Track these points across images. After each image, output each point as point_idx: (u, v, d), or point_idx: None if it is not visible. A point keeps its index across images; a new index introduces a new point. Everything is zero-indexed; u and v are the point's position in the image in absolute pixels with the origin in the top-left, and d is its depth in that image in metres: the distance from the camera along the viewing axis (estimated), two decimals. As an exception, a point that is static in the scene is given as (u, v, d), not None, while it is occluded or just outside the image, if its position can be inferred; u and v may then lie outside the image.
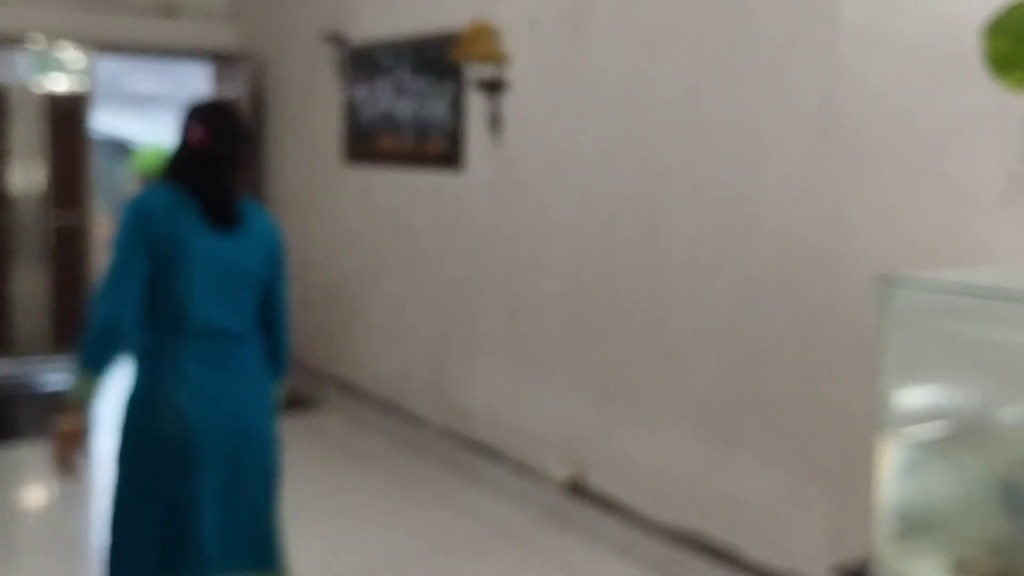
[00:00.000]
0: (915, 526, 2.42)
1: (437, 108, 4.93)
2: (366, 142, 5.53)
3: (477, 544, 3.99)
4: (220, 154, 2.54)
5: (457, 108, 4.78)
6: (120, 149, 15.04)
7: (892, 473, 2.37)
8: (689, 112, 3.53)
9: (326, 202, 6.03)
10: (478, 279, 4.71)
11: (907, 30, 2.83)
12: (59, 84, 6.73)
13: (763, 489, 3.32)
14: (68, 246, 6.78)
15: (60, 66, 6.84)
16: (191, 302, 2.45)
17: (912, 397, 2.42)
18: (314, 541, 3.88)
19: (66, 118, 6.74)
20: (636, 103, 3.76)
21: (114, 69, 11.20)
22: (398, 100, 5.24)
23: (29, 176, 6.64)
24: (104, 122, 15.30)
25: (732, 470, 3.43)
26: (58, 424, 2.40)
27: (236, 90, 6.88)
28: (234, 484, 2.51)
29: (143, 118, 15.44)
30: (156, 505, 2.45)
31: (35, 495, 4.72)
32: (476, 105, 4.63)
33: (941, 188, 2.77)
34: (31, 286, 6.72)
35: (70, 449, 2.41)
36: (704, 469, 3.54)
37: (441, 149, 4.91)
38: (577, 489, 4.11)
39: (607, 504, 3.96)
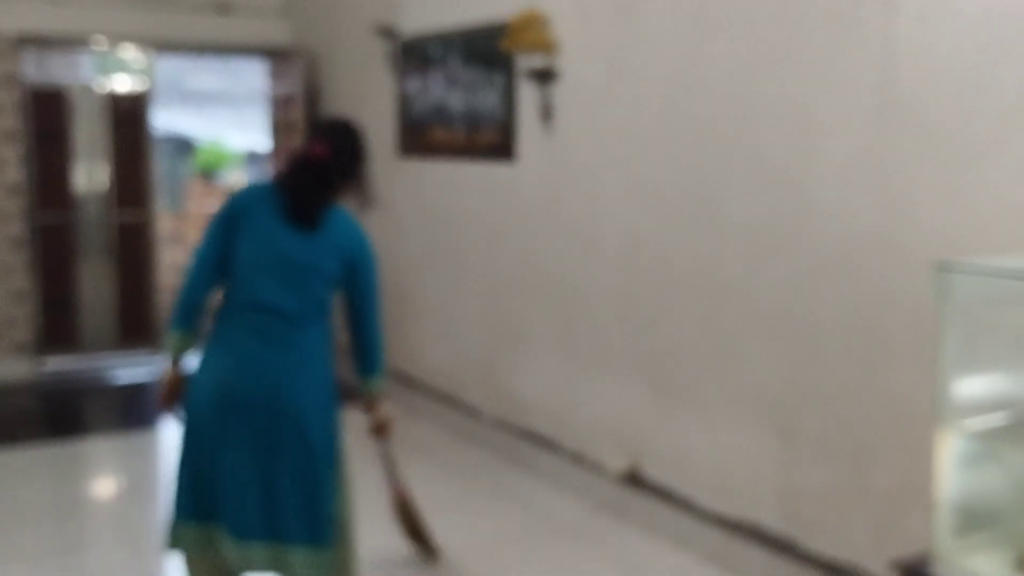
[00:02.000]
0: (976, 519, 2.35)
1: (488, 99, 4.93)
2: (419, 134, 5.56)
3: (532, 535, 4.00)
4: (325, 166, 2.82)
5: (508, 98, 4.78)
6: (181, 146, 15.35)
7: (952, 465, 2.31)
8: (743, 94, 3.48)
9: (379, 195, 6.07)
10: (530, 269, 4.71)
11: (966, 5, 2.75)
12: (121, 84, 6.88)
13: (821, 480, 3.27)
14: (132, 243, 6.94)
15: (122, 66, 6.99)
16: (250, 281, 2.76)
17: (973, 386, 2.35)
18: (370, 531, 3.93)
19: (128, 117, 6.88)
20: (688, 87, 3.71)
21: (174, 68, 11.39)
22: (450, 92, 5.25)
23: (93, 175, 6.81)
24: (165, 120, 15.60)
25: (790, 461, 3.38)
26: (162, 375, 2.88)
27: (291, 86, 6.96)
28: (273, 454, 2.72)
29: (203, 115, 15.72)
30: (191, 452, 2.78)
31: (104, 488, 4.86)
32: (527, 95, 4.62)
33: (1003, 168, 2.69)
34: (97, 283, 6.90)
35: (168, 394, 2.86)
36: (761, 460, 3.49)
37: (493, 140, 4.91)
38: (633, 480, 4.10)
39: (663, 495, 3.94)
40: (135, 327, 6.98)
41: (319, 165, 2.81)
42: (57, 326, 6.71)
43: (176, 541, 2.79)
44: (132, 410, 6.02)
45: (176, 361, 2.86)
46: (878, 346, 3.05)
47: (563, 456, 4.50)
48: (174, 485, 2.80)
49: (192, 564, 2.83)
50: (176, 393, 2.86)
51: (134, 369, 6.79)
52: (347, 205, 2.94)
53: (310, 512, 2.74)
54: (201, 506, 2.76)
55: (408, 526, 3.82)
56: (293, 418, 2.71)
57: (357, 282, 2.88)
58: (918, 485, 2.86)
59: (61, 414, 5.96)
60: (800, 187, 3.28)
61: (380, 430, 3.28)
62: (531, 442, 4.72)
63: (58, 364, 6.67)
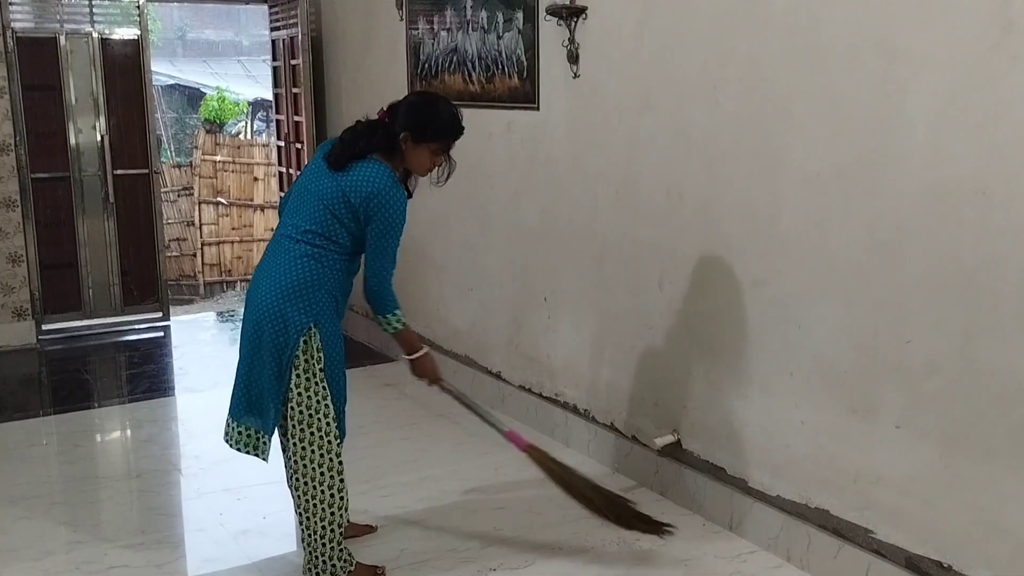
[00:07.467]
0: None
1: (506, 41, 4.30)
2: (431, 82, 4.93)
3: (566, 512, 3.48)
4: (372, 125, 2.95)
5: (528, 39, 4.15)
6: (190, 97, 14.67)
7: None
8: (811, 28, 2.86)
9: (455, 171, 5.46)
10: (558, 224, 4.12)
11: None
12: (116, 32, 6.23)
13: (904, 465, 2.72)
14: (133, 198, 6.35)
15: (118, 13, 6.32)
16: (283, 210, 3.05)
17: None
18: (400, 499, 3.42)
19: (124, 66, 6.25)
20: (742, 20, 3.09)
21: (179, 20, 10.76)
22: (463, 34, 4.61)
23: (88, 128, 6.19)
24: (171, 71, 14.95)
25: (863, 442, 2.84)
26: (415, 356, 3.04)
27: (292, 33, 6.31)
28: (244, 348, 2.93)
29: (208, 68, 15.05)
30: None
31: (111, 450, 4.34)
32: (549, 34, 3.99)
33: None
34: (97, 242, 6.30)
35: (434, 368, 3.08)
36: (827, 440, 2.95)
37: (513, 85, 4.29)
38: (674, 457, 3.57)
39: (710, 472, 3.41)
40: (140, 285, 6.41)
41: (369, 124, 2.95)
42: (57, 289, 6.15)
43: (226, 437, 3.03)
44: (142, 376, 5.46)
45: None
46: (978, 312, 2.48)
47: (598, 426, 3.98)
48: None
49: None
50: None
51: (140, 331, 6.24)
52: (413, 174, 3.07)
53: (252, 394, 2.91)
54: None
55: (561, 481, 3.21)
56: (256, 317, 2.84)
57: (366, 225, 2.87)
58: (1023, 473, 2.32)
59: (65, 381, 5.40)
60: (883, 132, 2.67)
61: (421, 378, 3.09)
62: (562, 412, 4.19)
63: (60, 328, 6.13)
